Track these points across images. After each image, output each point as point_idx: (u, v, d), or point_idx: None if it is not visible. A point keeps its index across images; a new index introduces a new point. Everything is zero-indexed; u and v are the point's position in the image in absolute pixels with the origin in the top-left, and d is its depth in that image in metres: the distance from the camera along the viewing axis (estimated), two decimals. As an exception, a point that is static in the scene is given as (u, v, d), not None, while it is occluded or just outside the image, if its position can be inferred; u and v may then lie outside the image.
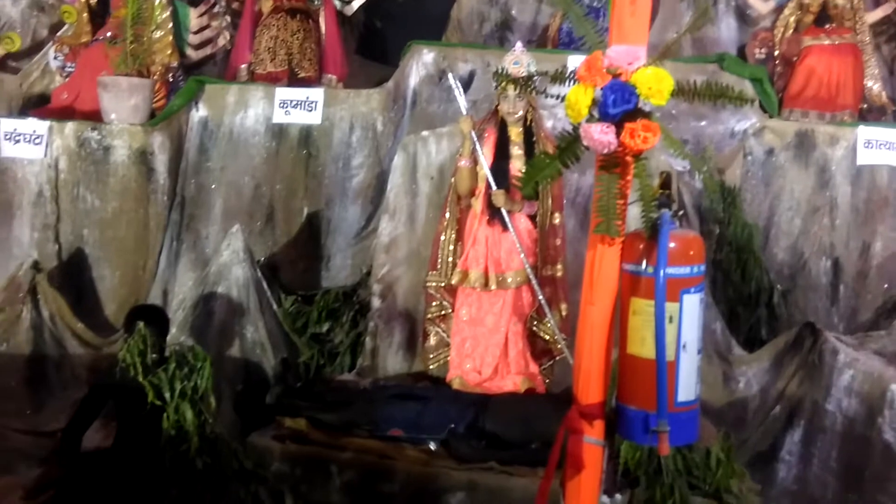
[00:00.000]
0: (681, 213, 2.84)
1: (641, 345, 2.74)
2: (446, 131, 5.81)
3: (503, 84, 4.72)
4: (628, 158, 2.75)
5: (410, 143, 5.84)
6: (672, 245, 2.70)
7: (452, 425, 4.54)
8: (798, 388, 5.17)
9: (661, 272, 2.65)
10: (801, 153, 6.13)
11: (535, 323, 5.14)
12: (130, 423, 4.19)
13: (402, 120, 6.36)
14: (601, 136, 2.66)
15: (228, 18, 7.22)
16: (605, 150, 2.69)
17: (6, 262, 5.93)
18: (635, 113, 2.68)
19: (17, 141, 6.03)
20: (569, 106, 2.71)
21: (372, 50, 7.76)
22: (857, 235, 6.08)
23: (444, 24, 7.68)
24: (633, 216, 2.85)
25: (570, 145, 2.77)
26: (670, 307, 2.69)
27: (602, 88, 2.67)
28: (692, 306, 2.76)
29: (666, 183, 2.83)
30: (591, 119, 2.70)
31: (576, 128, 2.74)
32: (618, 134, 2.67)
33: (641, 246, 2.76)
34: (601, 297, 2.80)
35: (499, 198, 4.97)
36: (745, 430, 5.21)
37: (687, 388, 2.77)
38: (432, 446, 4.48)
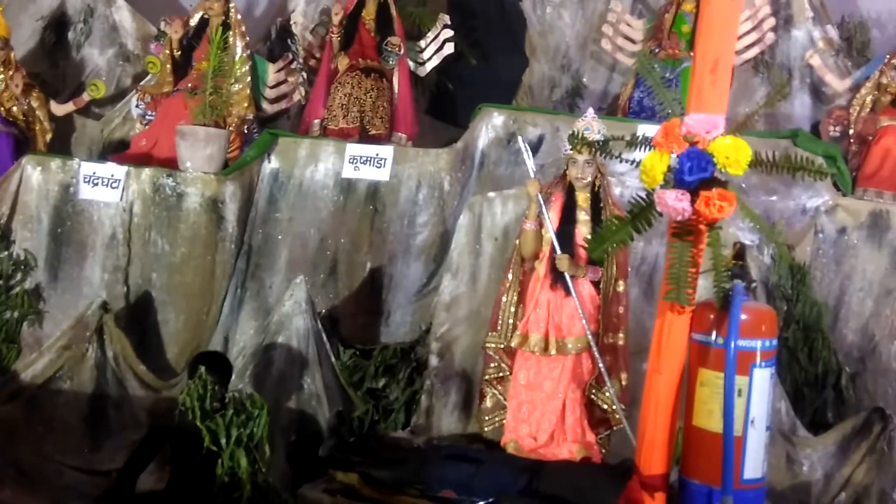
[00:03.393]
0: (753, 284, 2.81)
1: (708, 417, 2.70)
2: (513, 193, 5.83)
3: (577, 148, 4.72)
4: (702, 227, 2.73)
5: (476, 204, 5.87)
6: (744, 317, 2.67)
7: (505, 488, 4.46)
8: (865, 476, 4.99)
9: (732, 344, 2.61)
10: (874, 233, 6.00)
11: (594, 391, 5.07)
12: (185, 468, 4.21)
13: (469, 180, 6.40)
14: (675, 202, 2.66)
15: (305, 74, 7.38)
16: (679, 217, 2.68)
17: (76, 300, 6.03)
18: (711, 181, 2.67)
19: (96, 184, 6.18)
20: (644, 171, 2.71)
21: (442, 111, 7.85)
22: (931, 320, 5.90)
23: (515, 89, 7.75)
24: (702, 286, 2.82)
25: (643, 211, 2.77)
26: (740, 380, 2.65)
27: (679, 155, 2.67)
28: (762, 381, 2.71)
29: (740, 254, 2.81)
30: (665, 185, 2.70)
31: (650, 193, 2.74)
32: (692, 202, 2.66)
33: (712, 316, 2.73)
34: (668, 366, 2.76)
35: (563, 262, 4.95)
36: (807, 515, 5.03)
37: (754, 465, 2.72)
38: None
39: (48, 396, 5.44)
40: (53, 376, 5.50)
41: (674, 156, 2.70)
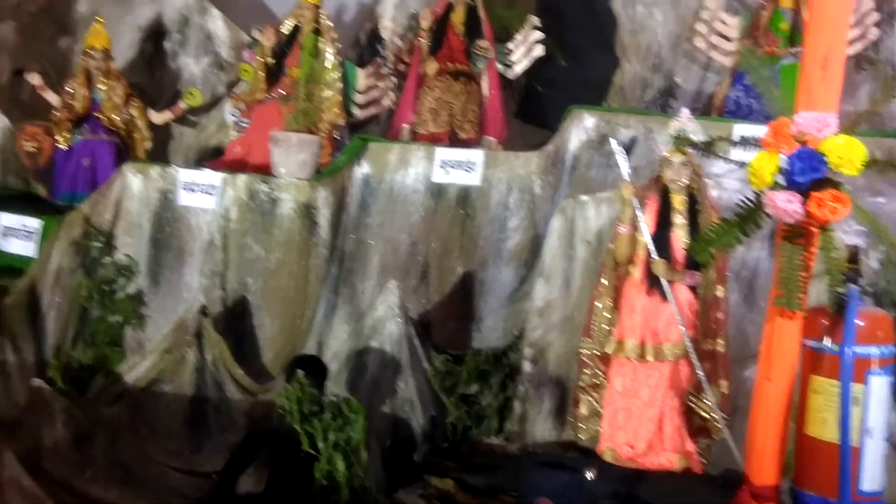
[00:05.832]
0: (870, 289, 2.70)
1: (822, 426, 2.60)
2: (606, 196, 5.74)
3: (680, 148, 4.62)
4: (813, 229, 2.63)
5: (569, 207, 5.79)
6: (860, 322, 2.56)
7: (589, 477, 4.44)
8: (982, 490, 4.75)
9: (848, 350, 2.51)
10: None
11: (693, 399, 4.95)
12: (283, 470, 4.26)
13: (561, 184, 6.32)
14: (786, 204, 2.57)
15: (394, 80, 7.43)
16: (790, 220, 2.59)
17: (176, 305, 6.16)
18: (823, 182, 2.57)
19: (194, 191, 6.31)
20: (753, 173, 2.63)
21: (532, 114, 7.80)
22: None
23: (606, 90, 7.66)
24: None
25: (751, 213, 2.68)
26: (856, 388, 2.54)
27: (789, 156, 2.58)
28: (880, 389, 2.61)
29: (854, 257, 2.70)
30: (775, 187, 2.61)
31: (758, 195, 2.65)
32: (804, 203, 2.56)
33: (825, 321, 2.63)
34: (779, 372, 2.67)
35: (659, 267, 4.85)
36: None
37: (872, 476, 2.61)
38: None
39: (150, 399, 5.57)
40: (155, 379, 5.62)
41: (783, 156, 2.61)
